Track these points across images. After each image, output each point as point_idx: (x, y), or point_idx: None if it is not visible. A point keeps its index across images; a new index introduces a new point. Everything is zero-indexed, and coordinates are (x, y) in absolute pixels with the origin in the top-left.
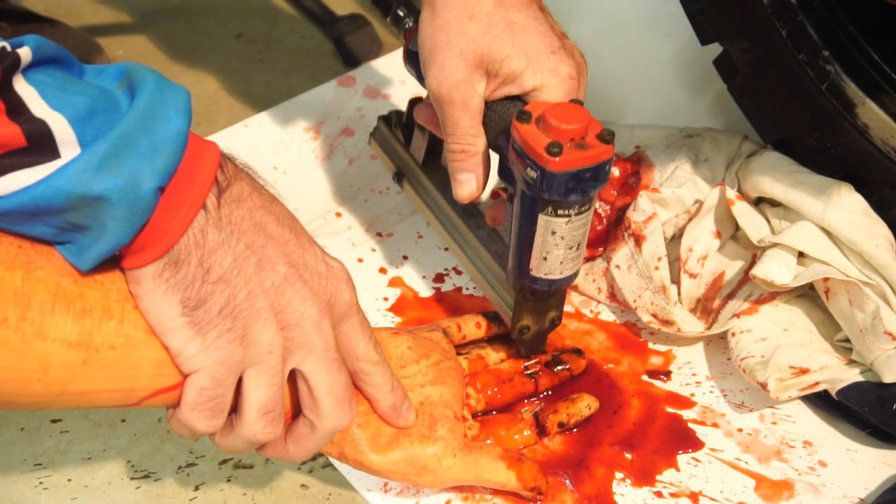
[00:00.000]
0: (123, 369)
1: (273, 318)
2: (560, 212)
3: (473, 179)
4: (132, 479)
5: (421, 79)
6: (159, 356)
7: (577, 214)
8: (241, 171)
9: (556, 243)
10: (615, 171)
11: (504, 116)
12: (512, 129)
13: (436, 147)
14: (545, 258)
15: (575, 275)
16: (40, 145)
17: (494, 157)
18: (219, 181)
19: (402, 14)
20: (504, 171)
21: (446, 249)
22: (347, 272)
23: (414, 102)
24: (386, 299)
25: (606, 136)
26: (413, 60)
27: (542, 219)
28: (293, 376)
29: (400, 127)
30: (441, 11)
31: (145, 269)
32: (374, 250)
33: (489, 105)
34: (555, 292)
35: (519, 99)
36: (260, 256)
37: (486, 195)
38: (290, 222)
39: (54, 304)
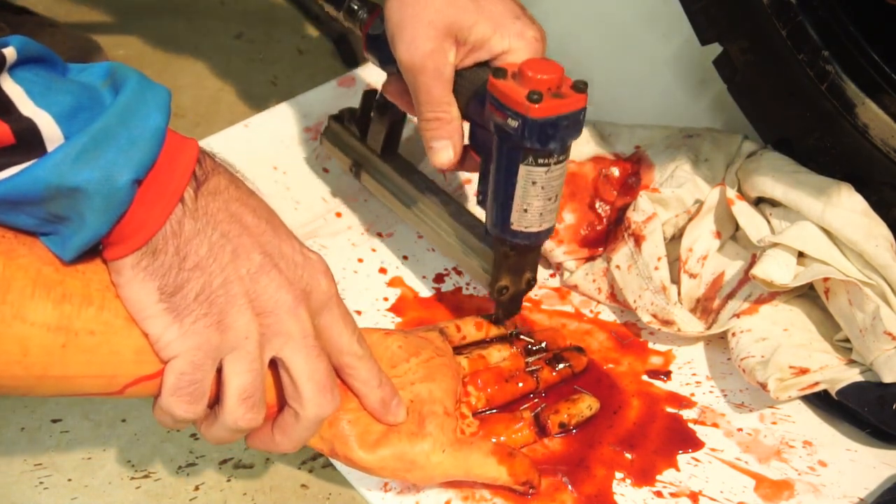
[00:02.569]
0: (104, 355)
1: (248, 305)
2: (540, 160)
3: (450, 146)
4: (132, 479)
5: (384, 62)
6: (139, 343)
7: (555, 164)
8: (220, 165)
9: (537, 194)
10: (615, 171)
11: (474, 82)
12: (489, 86)
13: (395, 132)
14: (525, 210)
15: (552, 228)
16: (28, 143)
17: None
18: (196, 175)
19: (355, 7)
20: (475, 138)
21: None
22: (326, 264)
23: (368, 94)
24: (386, 299)
25: (580, 86)
26: (374, 44)
27: (522, 169)
28: (276, 367)
29: (354, 122)
30: None
31: (125, 259)
32: (374, 250)
33: (459, 73)
34: (534, 247)
35: (486, 65)
36: (235, 245)
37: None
38: (266, 215)
39: (34, 290)
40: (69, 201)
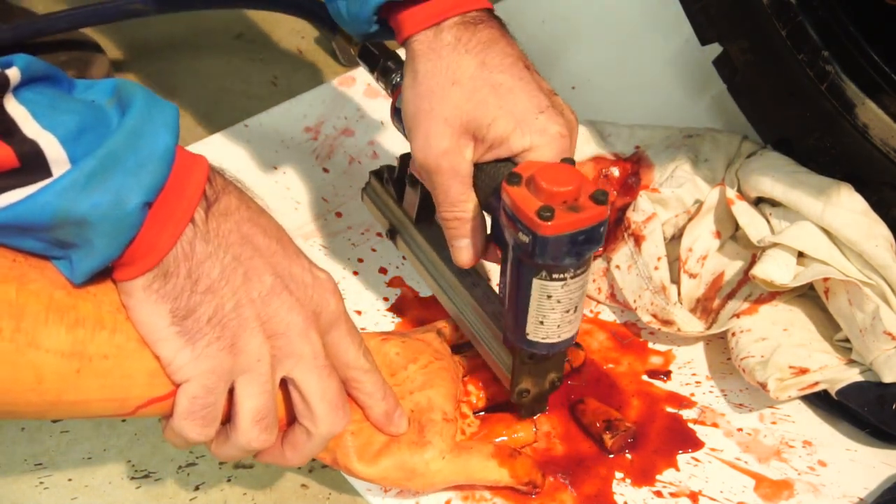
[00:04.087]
0: (116, 378)
1: (260, 328)
2: (555, 276)
3: (470, 246)
4: (132, 479)
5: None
6: (151, 366)
7: (572, 278)
8: (230, 184)
9: (553, 307)
10: (615, 171)
11: (494, 178)
12: (502, 191)
13: (428, 202)
14: (541, 322)
15: (573, 337)
16: (33, 165)
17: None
18: (207, 195)
19: (391, 66)
20: (496, 232)
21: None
22: (334, 282)
23: (405, 158)
24: (386, 299)
25: (600, 197)
26: (400, 118)
27: (536, 283)
28: (286, 385)
29: (392, 182)
30: (423, 78)
31: (136, 281)
32: (374, 250)
33: (479, 167)
34: (554, 355)
35: (509, 160)
36: (247, 268)
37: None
38: (277, 234)
39: (48, 316)
40: (77, 228)
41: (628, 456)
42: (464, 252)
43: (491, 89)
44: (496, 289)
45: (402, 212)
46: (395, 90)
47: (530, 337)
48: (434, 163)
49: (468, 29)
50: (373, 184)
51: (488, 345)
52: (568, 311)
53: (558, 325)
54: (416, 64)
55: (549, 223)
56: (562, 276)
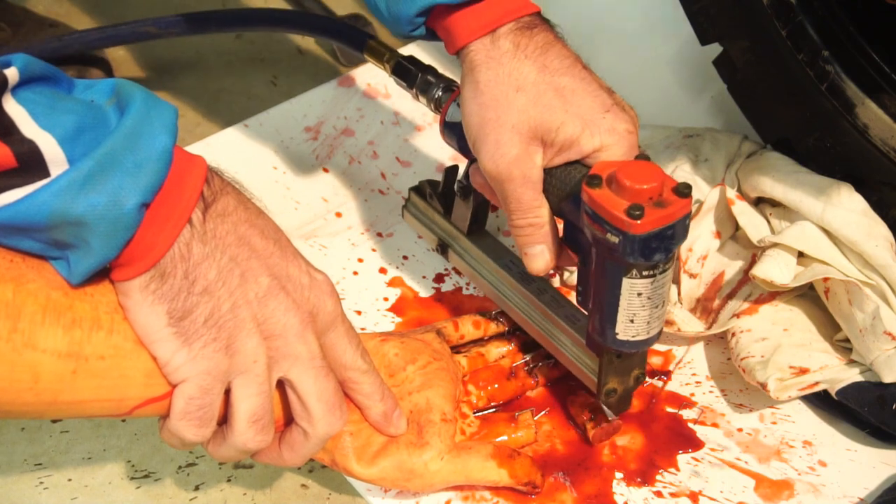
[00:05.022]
0: (113, 379)
1: (256, 329)
2: (645, 273)
3: (546, 251)
4: (132, 479)
5: (463, 151)
6: (148, 366)
7: (661, 273)
8: (228, 184)
9: (643, 304)
10: None
11: (566, 182)
12: (583, 194)
13: (480, 214)
14: (632, 321)
15: (661, 332)
16: (31, 166)
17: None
18: (205, 196)
19: (431, 79)
20: (570, 237)
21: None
22: (331, 284)
23: (450, 171)
24: (386, 299)
25: (683, 190)
26: (452, 131)
27: (626, 283)
28: (284, 386)
29: (436, 197)
30: (485, 88)
31: (133, 281)
32: (374, 250)
33: (548, 171)
34: (641, 352)
35: (579, 163)
36: (244, 269)
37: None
38: (274, 235)
39: (44, 316)
40: (74, 229)
41: (628, 454)
42: (539, 259)
43: (555, 93)
44: (565, 295)
45: (450, 225)
46: (439, 105)
47: (620, 337)
48: (506, 171)
49: (524, 34)
50: (414, 200)
51: (566, 349)
52: (657, 307)
53: (648, 322)
54: (477, 74)
55: (640, 221)
56: (651, 272)
